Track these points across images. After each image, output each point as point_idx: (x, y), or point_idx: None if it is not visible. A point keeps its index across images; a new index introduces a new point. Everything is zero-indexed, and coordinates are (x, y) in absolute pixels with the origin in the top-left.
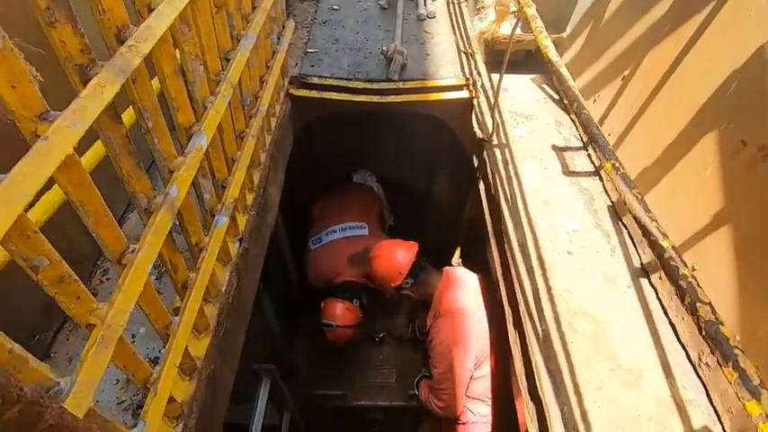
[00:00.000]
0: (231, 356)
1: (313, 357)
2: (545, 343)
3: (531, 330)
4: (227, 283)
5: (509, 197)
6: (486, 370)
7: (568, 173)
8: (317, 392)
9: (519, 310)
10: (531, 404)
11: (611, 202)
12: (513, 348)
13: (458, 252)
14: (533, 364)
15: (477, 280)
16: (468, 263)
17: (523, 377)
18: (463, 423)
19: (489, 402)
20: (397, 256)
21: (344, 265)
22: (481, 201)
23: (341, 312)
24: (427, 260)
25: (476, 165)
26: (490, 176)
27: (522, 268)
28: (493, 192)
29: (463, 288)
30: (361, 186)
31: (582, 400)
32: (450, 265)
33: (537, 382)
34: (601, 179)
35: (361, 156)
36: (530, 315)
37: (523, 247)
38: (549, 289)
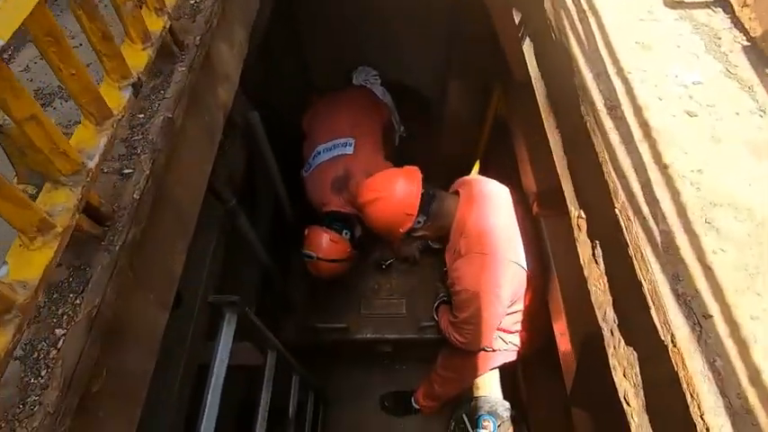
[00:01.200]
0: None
1: (312, 287)
2: (668, 254)
3: (637, 236)
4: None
5: (584, 40)
6: (520, 306)
7: (673, 3)
8: (316, 325)
9: (607, 208)
10: (628, 351)
11: (751, 39)
12: (590, 272)
13: (476, 168)
14: (649, 290)
15: (509, 192)
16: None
17: (611, 315)
18: (491, 350)
19: (520, 331)
20: (398, 192)
21: (328, 191)
22: (510, 94)
23: (324, 243)
24: (434, 185)
25: (518, 19)
26: (551, 17)
27: (615, 138)
28: (556, 36)
29: (491, 207)
30: (359, 90)
31: (746, 349)
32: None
33: (659, 322)
34: (728, 9)
35: (360, 51)
36: (635, 211)
37: (615, 109)
38: (663, 168)
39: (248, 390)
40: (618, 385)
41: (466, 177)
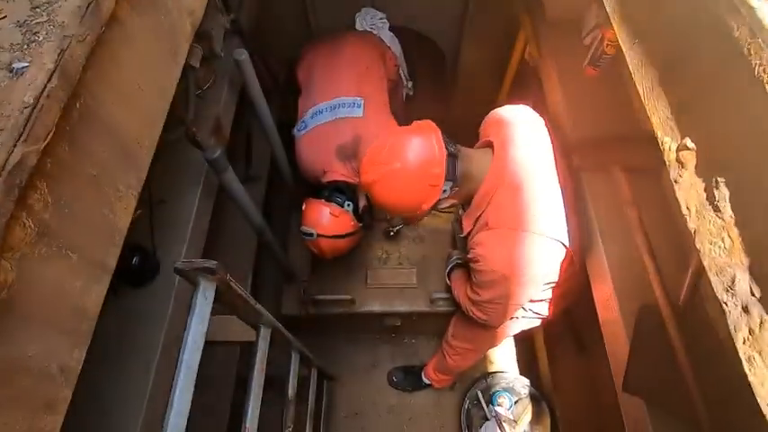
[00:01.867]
0: None
1: (315, 257)
2: None
3: None
4: None
5: None
6: (555, 278)
7: None
8: (319, 297)
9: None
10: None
11: None
12: (701, 224)
13: None
14: None
15: (545, 125)
16: None
17: (745, 284)
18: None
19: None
20: (415, 158)
21: (333, 158)
22: (543, 34)
23: (324, 218)
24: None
25: None
26: None
27: None
28: None
29: (531, 166)
30: (363, 37)
31: None
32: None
33: None
34: None
35: None
36: None
37: None
38: None
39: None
40: (758, 387)
41: (498, 116)
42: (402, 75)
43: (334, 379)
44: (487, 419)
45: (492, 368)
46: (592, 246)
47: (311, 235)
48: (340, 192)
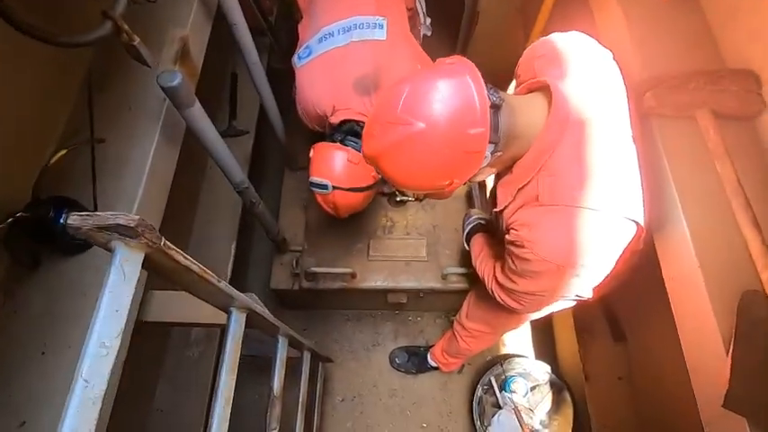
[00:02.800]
0: None
1: (309, 221)
2: None
3: None
4: None
5: None
6: None
7: None
8: (314, 270)
9: None
10: None
11: None
12: None
13: None
14: None
15: (613, 60)
16: None
17: None
18: None
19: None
20: (449, 109)
21: (348, 91)
22: None
23: (341, 166)
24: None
25: None
26: None
27: None
28: None
29: (603, 119)
30: None
31: None
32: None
33: None
34: None
35: None
36: None
37: None
38: None
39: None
40: None
41: (550, 46)
42: (420, 6)
43: (330, 361)
44: (500, 407)
45: (505, 350)
46: (666, 213)
47: (325, 187)
48: (355, 135)
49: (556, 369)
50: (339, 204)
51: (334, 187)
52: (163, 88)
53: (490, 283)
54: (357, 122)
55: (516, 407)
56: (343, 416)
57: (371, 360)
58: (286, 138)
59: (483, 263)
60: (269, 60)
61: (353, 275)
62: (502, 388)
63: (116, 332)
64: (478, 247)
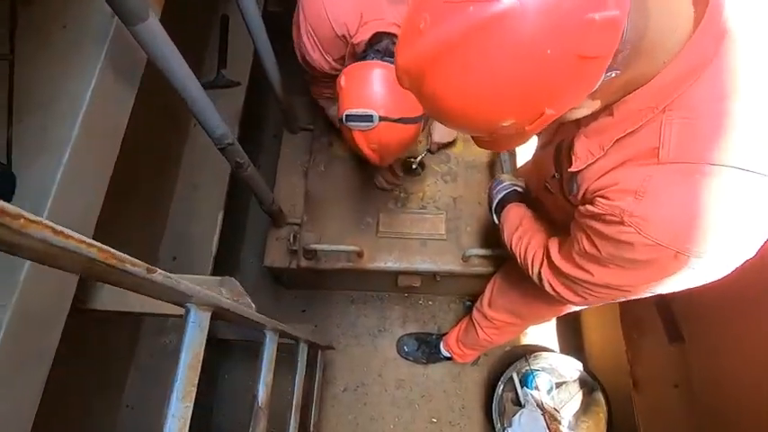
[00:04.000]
0: None
1: (309, 190)
2: None
3: None
4: None
5: None
6: None
7: None
8: (314, 247)
9: None
10: None
11: None
12: None
13: None
14: None
15: None
16: None
17: None
18: None
19: None
20: None
21: (379, 2)
22: None
23: (387, 88)
24: None
25: None
26: None
27: None
28: None
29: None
30: None
31: None
32: None
33: None
34: None
35: None
36: None
37: None
38: None
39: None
40: None
41: None
42: None
43: (331, 348)
44: (521, 405)
45: (527, 341)
46: None
47: (369, 119)
48: (392, 56)
49: (587, 366)
50: (386, 142)
51: (380, 118)
52: None
53: (536, 267)
54: (393, 37)
55: (539, 405)
56: (345, 407)
57: (377, 347)
58: (284, 94)
59: (523, 240)
60: (266, 2)
61: (360, 254)
62: (523, 383)
63: None
64: (515, 219)
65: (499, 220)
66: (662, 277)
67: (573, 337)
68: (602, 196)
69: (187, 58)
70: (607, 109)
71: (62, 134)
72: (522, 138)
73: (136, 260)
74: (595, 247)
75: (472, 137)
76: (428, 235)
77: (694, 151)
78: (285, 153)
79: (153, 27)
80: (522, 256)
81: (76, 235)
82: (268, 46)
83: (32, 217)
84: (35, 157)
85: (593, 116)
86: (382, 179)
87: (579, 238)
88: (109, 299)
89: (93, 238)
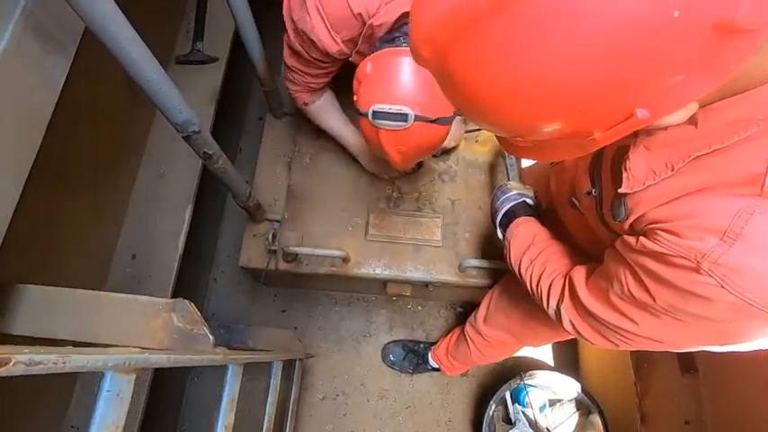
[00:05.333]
0: None
1: (291, 188)
2: None
3: None
4: None
5: None
6: None
7: None
8: (295, 250)
9: None
10: None
11: None
12: None
13: None
14: None
15: None
16: None
17: None
18: None
19: None
20: None
21: None
22: None
23: (422, 82)
24: None
25: None
26: None
27: None
28: None
29: None
30: None
31: None
32: None
33: None
34: None
35: None
36: None
37: None
38: None
39: None
40: None
41: None
42: None
43: (310, 356)
44: (511, 423)
45: (527, 365)
46: None
47: (404, 119)
48: None
49: (583, 386)
50: (416, 145)
51: (417, 117)
52: None
53: (554, 301)
54: None
55: (535, 426)
56: (323, 417)
57: (360, 353)
58: (267, 73)
59: (535, 265)
60: None
61: (346, 259)
62: (515, 399)
63: None
64: (525, 237)
65: (504, 237)
66: (739, 340)
67: (569, 352)
68: (666, 230)
69: (157, 27)
70: (687, 121)
71: None
72: (582, 148)
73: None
74: (648, 293)
75: (501, 140)
76: (422, 240)
77: None
78: (267, 141)
79: None
80: (533, 284)
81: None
82: (249, 16)
83: None
84: None
85: (657, 128)
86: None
87: (622, 276)
88: (26, 321)
89: (27, 232)
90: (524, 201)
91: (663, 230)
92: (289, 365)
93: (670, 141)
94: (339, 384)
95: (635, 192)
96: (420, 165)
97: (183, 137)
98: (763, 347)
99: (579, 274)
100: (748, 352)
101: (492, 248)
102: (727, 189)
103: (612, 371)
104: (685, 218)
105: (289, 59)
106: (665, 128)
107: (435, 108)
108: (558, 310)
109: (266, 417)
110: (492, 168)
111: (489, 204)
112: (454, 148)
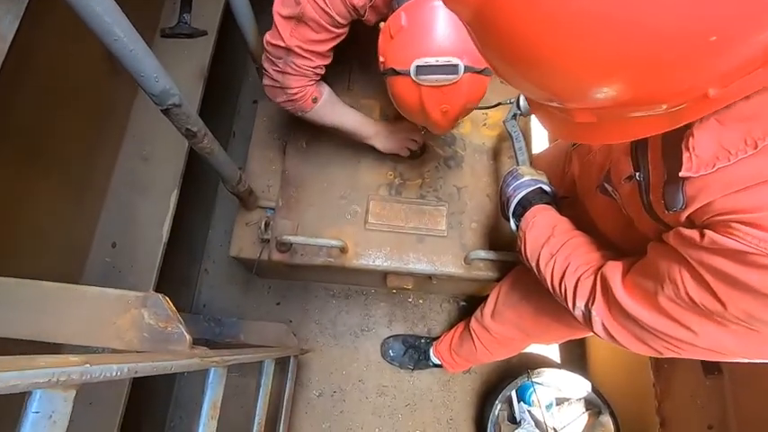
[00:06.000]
0: None
1: (286, 174)
2: None
3: None
4: None
5: None
6: None
7: None
8: (290, 239)
9: None
10: None
11: None
12: None
13: None
14: None
15: None
16: None
17: None
18: None
19: None
20: None
21: None
22: None
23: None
24: None
25: None
26: None
27: None
28: None
29: None
30: None
31: None
32: None
33: None
34: None
35: None
36: None
37: None
38: None
39: None
40: None
41: None
42: None
43: (306, 352)
44: (516, 422)
45: (534, 362)
46: None
47: (454, 70)
48: None
49: (593, 386)
50: (464, 100)
51: (466, 68)
52: None
53: (581, 301)
54: None
55: (542, 426)
56: (320, 414)
57: (359, 348)
58: (260, 49)
59: (557, 260)
60: None
61: (344, 250)
62: (520, 398)
63: None
64: (544, 228)
65: (519, 228)
66: None
67: (576, 349)
68: (746, 223)
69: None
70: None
71: None
72: (653, 126)
73: None
74: (716, 298)
75: (550, 120)
76: (426, 230)
77: None
78: (260, 123)
79: None
80: (555, 281)
81: None
82: None
83: None
84: None
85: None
86: (404, 140)
87: (677, 277)
88: None
89: None
90: (540, 187)
91: (741, 223)
92: (282, 362)
93: (752, 113)
94: (336, 380)
95: (700, 176)
96: (423, 148)
97: (161, 110)
98: None
99: (614, 271)
100: None
101: (500, 239)
102: None
103: (626, 371)
104: None
105: (290, 39)
106: (747, 96)
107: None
108: (587, 312)
109: (256, 419)
110: (500, 154)
111: (498, 192)
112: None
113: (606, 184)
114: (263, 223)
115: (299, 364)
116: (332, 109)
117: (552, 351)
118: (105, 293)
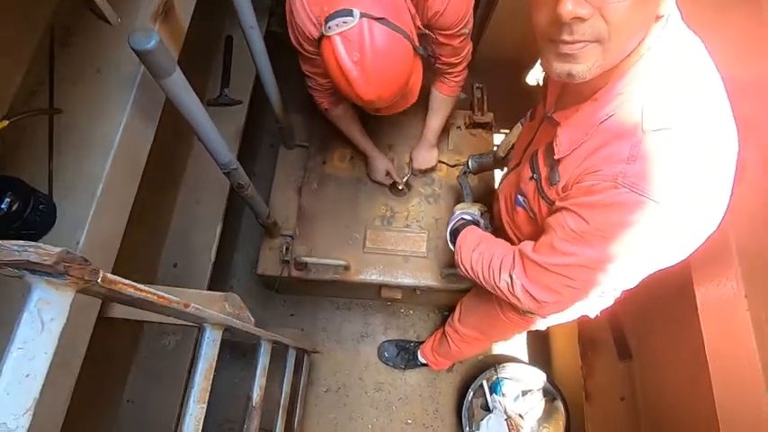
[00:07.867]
0: None
1: (302, 205)
2: None
3: None
4: None
5: None
6: None
7: None
8: (305, 260)
9: None
10: None
11: None
12: None
13: None
14: None
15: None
16: None
17: None
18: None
19: None
20: None
21: None
22: None
23: None
24: None
25: None
26: None
27: None
28: None
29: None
30: None
31: None
32: None
33: None
34: None
35: None
36: None
37: None
38: None
39: None
40: None
41: None
42: None
43: (316, 352)
44: (489, 410)
45: (499, 353)
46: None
47: (349, 13)
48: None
49: (550, 377)
50: (372, 50)
51: (361, 15)
52: (135, 51)
53: (505, 273)
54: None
55: (505, 411)
56: (327, 407)
57: (359, 352)
58: (283, 112)
59: (485, 255)
60: (268, 23)
61: (347, 267)
62: (492, 390)
63: (23, 408)
64: (473, 239)
65: (456, 246)
66: (643, 236)
67: (542, 346)
68: (591, 171)
69: (194, 77)
70: (590, 98)
71: (95, 170)
72: None
73: (177, 299)
74: (583, 219)
75: None
76: (411, 252)
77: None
78: (281, 168)
79: (178, 80)
80: (485, 269)
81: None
82: (268, 66)
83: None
84: (72, 189)
85: (575, 108)
86: (384, 172)
87: (561, 220)
88: (125, 309)
89: None
90: (462, 217)
91: (589, 172)
92: (300, 358)
93: (582, 118)
94: (340, 378)
95: (563, 157)
96: (409, 187)
97: (224, 173)
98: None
99: (527, 244)
100: (668, 344)
101: None
102: (623, 137)
103: (568, 358)
104: (603, 160)
105: (303, 66)
106: (577, 109)
107: (379, 8)
108: (510, 279)
109: (282, 395)
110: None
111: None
112: (433, 168)
113: (519, 196)
114: (284, 247)
115: (309, 365)
116: (342, 122)
117: (520, 350)
118: (201, 293)
